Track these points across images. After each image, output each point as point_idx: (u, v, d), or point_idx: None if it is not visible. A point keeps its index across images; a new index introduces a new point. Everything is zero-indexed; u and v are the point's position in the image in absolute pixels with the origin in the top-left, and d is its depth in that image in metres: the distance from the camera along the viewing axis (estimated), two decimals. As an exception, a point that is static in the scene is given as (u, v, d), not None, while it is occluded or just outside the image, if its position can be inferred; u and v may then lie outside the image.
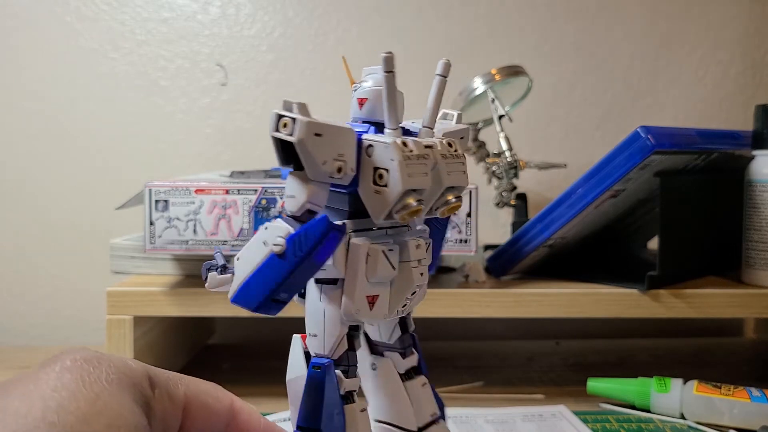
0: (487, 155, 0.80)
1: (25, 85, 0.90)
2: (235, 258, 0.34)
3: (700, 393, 0.58)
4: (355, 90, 0.36)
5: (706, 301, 0.63)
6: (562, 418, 0.58)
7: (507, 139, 0.78)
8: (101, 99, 0.90)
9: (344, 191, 0.35)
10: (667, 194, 0.63)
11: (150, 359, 0.65)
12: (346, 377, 0.35)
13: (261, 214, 0.61)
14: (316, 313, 0.35)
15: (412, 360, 0.39)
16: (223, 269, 0.35)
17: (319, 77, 0.91)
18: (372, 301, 0.35)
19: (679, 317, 0.63)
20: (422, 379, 0.40)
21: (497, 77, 0.76)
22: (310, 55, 0.91)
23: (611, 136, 0.91)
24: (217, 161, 0.90)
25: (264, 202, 0.61)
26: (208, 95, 0.91)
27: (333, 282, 0.35)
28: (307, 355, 0.36)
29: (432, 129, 0.36)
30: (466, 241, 0.62)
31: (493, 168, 0.79)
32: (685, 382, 0.59)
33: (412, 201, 0.33)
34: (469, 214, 0.62)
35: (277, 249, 0.32)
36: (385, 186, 0.33)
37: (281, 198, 0.60)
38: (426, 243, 0.37)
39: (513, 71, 0.77)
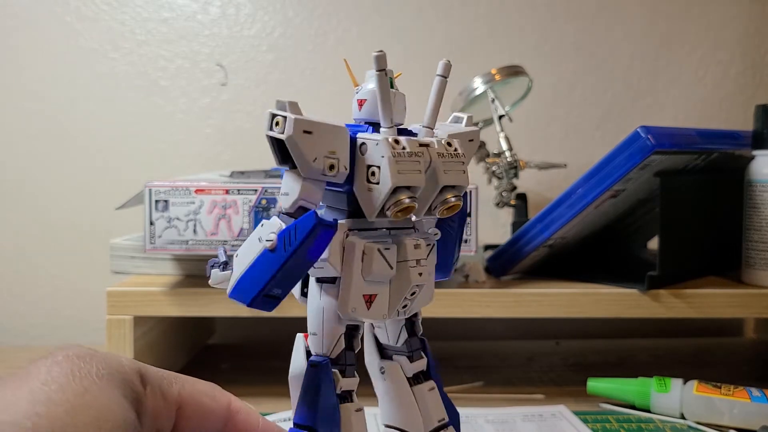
0: (487, 155, 0.80)
1: (25, 85, 0.90)
2: (234, 255, 0.34)
3: (700, 393, 0.58)
4: (356, 92, 0.36)
5: (706, 301, 0.63)
6: (562, 418, 0.58)
7: (507, 139, 0.79)
8: (101, 99, 0.90)
9: (342, 190, 0.35)
10: (667, 194, 0.63)
11: (150, 359, 0.65)
12: (343, 376, 0.36)
13: (261, 214, 0.61)
14: (316, 311, 0.36)
15: (421, 364, 0.39)
16: (225, 266, 0.35)
17: (319, 77, 0.91)
18: (369, 300, 0.35)
19: (679, 317, 0.63)
20: (430, 383, 0.39)
21: (497, 77, 0.76)
22: (310, 55, 0.91)
23: (611, 136, 0.91)
24: (217, 161, 0.90)
25: (264, 202, 0.61)
26: (208, 95, 0.91)
27: (332, 281, 0.35)
28: (309, 353, 0.36)
29: (432, 129, 0.36)
30: (466, 241, 0.62)
31: (493, 168, 0.79)
32: (685, 382, 0.59)
33: (403, 198, 0.33)
34: (469, 214, 0.62)
35: (268, 244, 0.32)
36: (377, 183, 0.33)
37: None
38: (428, 244, 0.37)
39: (513, 71, 0.77)
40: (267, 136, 0.33)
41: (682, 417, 0.58)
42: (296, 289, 0.37)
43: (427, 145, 0.35)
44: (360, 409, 0.36)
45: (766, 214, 0.64)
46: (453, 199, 0.35)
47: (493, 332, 0.90)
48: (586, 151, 0.92)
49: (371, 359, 0.40)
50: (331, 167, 0.33)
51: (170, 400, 0.33)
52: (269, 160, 0.34)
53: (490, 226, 0.86)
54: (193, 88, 0.91)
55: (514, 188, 0.79)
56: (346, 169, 0.34)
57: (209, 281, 0.36)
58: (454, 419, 0.40)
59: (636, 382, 0.61)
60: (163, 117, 0.91)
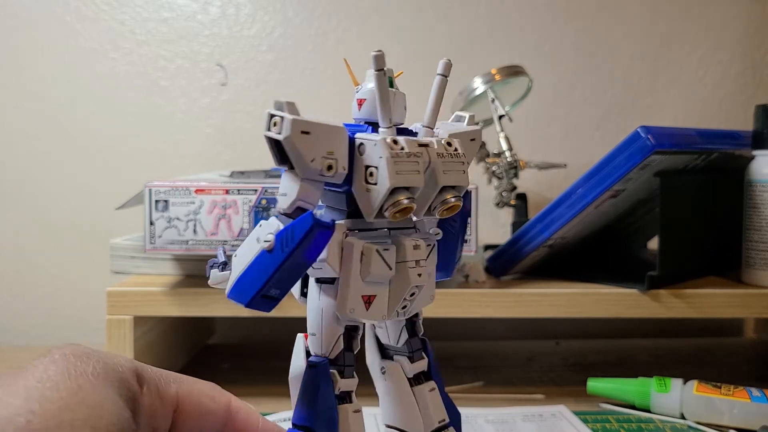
0: (487, 155, 0.80)
1: (25, 85, 0.90)
2: (233, 255, 0.34)
3: (700, 393, 0.58)
4: (356, 92, 0.36)
5: (706, 301, 0.63)
6: (562, 418, 0.58)
7: (507, 139, 0.79)
8: (101, 99, 0.90)
9: (341, 190, 0.35)
10: (667, 194, 0.63)
11: (150, 359, 0.65)
12: (342, 377, 0.35)
13: (261, 214, 0.61)
14: (315, 312, 0.35)
15: (422, 365, 0.39)
16: (224, 266, 0.35)
17: (319, 77, 0.91)
18: (368, 300, 0.35)
19: (679, 317, 0.63)
20: (431, 384, 0.39)
21: (497, 77, 0.76)
22: (310, 55, 0.91)
23: (611, 136, 0.91)
24: (217, 161, 0.90)
25: (264, 202, 0.61)
26: (208, 95, 0.91)
27: (331, 281, 0.35)
28: (309, 353, 0.36)
29: (432, 129, 0.36)
30: (466, 241, 0.62)
31: (493, 168, 0.79)
32: (685, 382, 0.59)
33: (402, 199, 0.33)
34: (469, 214, 0.62)
35: (266, 245, 0.32)
36: (375, 184, 0.33)
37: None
38: (428, 244, 0.37)
39: (513, 71, 0.77)
40: (265, 136, 0.33)
41: (682, 417, 0.58)
42: (296, 289, 0.37)
43: (426, 145, 0.34)
44: (358, 410, 0.36)
45: (766, 214, 0.64)
46: (453, 200, 0.35)
47: (493, 332, 0.90)
48: (586, 151, 0.92)
49: (372, 359, 0.40)
50: (329, 168, 0.33)
51: (167, 400, 0.33)
52: (269, 160, 0.34)
53: (490, 226, 0.86)
54: (193, 88, 0.91)
55: (514, 188, 0.79)
56: (345, 169, 0.34)
57: (209, 281, 0.36)
58: (456, 420, 0.40)
59: (636, 382, 0.61)
60: (163, 117, 0.91)
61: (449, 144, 0.35)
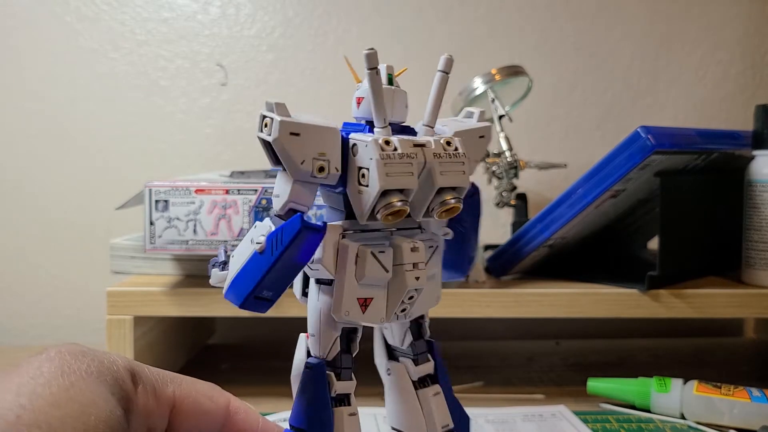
0: (487, 155, 0.80)
1: (25, 85, 0.90)
2: (231, 254, 0.34)
3: (700, 393, 0.58)
4: (357, 89, 0.36)
5: (706, 301, 0.63)
6: (562, 418, 0.58)
7: (507, 139, 0.78)
8: (101, 99, 0.90)
9: (336, 192, 0.35)
10: (667, 194, 0.63)
11: (150, 359, 0.65)
12: (338, 380, 0.35)
13: (261, 214, 0.61)
14: (314, 312, 0.35)
15: (427, 368, 0.38)
16: (224, 265, 0.35)
17: (319, 77, 0.91)
18: (365, 303, 0.34)
19: (679, 317, 0.63)
20: (435, 388, 0.38)
21: (497, 77, 0.76)
22: (310, 55, 0.91)
23: (611, 136, 0.91)
24: (217, 161, 0.90)
25: (264, 202, 0.61)
26: (208, 95, 0.91)
27: (330, 282, 0.35)
28: (310, 354, 0.36)
29: (432, 127, 0.35)
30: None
31: (493, 168, 0.79)
32: (685, 382, 0.59)
33: (394, 201, 0.32)
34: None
35: (257, 247, 0.32)
36: (367, 186, 0.32)
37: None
38: (429, 246, 0.36)
39: (513, 71, 0.77)
40: (258, 137, 0.33)
41: (682, 417, 0.58)
42: (297, 289, 0.37)
43: (422, 145, 0.33)
44: (354, 414, 0.36)
45: (766, 214, 0.64)
46: (452, 201, 0.34)
47: (493, 332, 0.90)
48: (586, 151, 0.92)
49: (380, 360, 0.39)
50: (321, 169, 0.32)
51: (163, 400, 0.33)
52: (268, 160, 0.34)
53: (490, 226, 0.86)
54: (193, 88, 0.91)
55: (514, 188, 0.79)
56: (338, 170, 0.33)
57: (210, 280, 0.36)
58: (464, 424, 0.39)
59: (636, 382, 0.61)
60: (163, 117, 0.91)
61: (449, 143, 0.34)
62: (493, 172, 0.79)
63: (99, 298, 0.65)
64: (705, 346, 0.86)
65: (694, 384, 0.59)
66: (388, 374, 0.38)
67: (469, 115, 0.38)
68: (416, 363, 0.38)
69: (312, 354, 0.35)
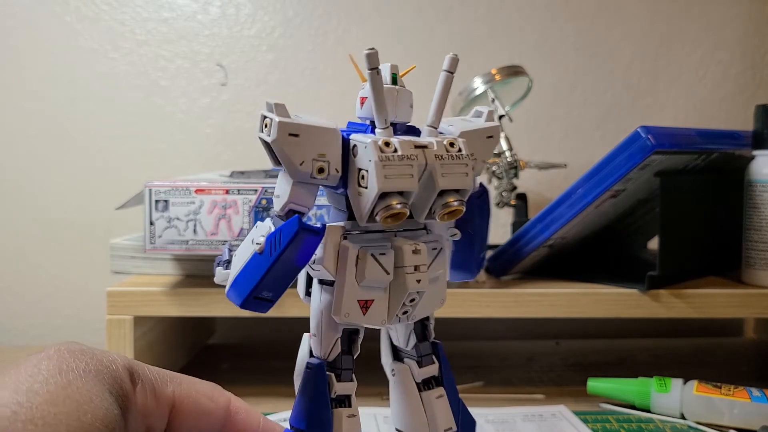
0: (487, 155, 0.80)
1: (25, 85, 0.90)
2: (233, 254, 0.34)
3: (700, 393, 0.58)
4: (362, 89, 0.36)
5: (706, 301, 0.63)
6: (562, 418, 0.58)
7: (507, 139, 0.78)
8: (101, 99, 0.90)
9: (338, 192, 0.35)
10: (667, 194, 0.63)
11: (150, 359, 0.65)
12: (338, 381, 0.35)
13: (261, 214, 0.61)
14: (316, 313, 0.35)
15: (431, 370, 0.38)
16: (228, 264, 0.35)
17: (319, 77, 0.91)
18: (365, 305, 0.34)
19: (679, 317, 0.63)
20: (439, 390, 0.38)
21: (497, 77, 0.76)
22: (310, 55, 0.91)
23: (611, 136, 0.91)
24: (217, 161, 0.90)
25: (264, 202, 0.61)
26: (208, 95, 0.91)
27: (331, 283, 0.34)
28: (312, 354, 0.36)
29: (436, 128, 0.35)
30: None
31: (493, 168, 0.79)
32: (685, 382, 0.59)
33: (394, 203, 0.32)
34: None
35: (257, 247, 0.32)
36: (366, 187, 0.32)
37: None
38: (433, 248, 0.36)
39: (513, 71, 0.77)
40: (259, 137, 0.33)
41: (682, 417, 0.58)
42: (301, 289, 0.37)
43: (424, 147, 0.33)
44: (353, 415, 0.35)
45: (766, 214, 0.64)
46: (455, 203, 0.33)
47: (493, 332, 0.90)
48: (586, 151, 0.92)
49: (385, 360, 0.39)
50: (320, 170, 0.32)
51: (163, 399, 0.33)
52: (269, 160, 0.34)
53: (491, 226, 0.86)
54: (193, 88, 0.91)
55: (514, 188, 0.79)
56: (338, 171, 0.33)
57: (214, 279, 0.36)
58: (469, 427, 0.39)
59: (636, 382, 0.61)
60: (163, 117, 0.91)
61: (452, 144, 0.34)
62: (493, 172, 0.79)
63: (99, 298, 0.65)
64: (705, 346, 0.86)
65: (694, 384, 0.59)
66: (393, 375, 0.38)
67: (478, 114, 0.37)
68: (420, 365, 0.38)
69: (314, 354, 0.35)
